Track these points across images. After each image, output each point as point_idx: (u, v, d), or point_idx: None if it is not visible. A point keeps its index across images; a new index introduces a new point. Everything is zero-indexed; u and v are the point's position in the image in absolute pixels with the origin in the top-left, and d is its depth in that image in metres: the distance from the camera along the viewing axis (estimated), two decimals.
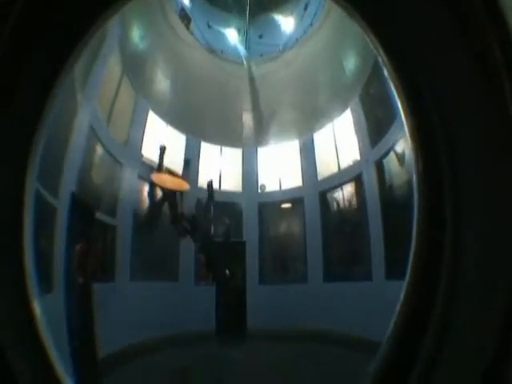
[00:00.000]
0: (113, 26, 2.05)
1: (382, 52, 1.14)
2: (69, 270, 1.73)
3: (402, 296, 1.15)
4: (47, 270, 1.64)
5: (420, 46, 1.04)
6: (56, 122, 1.68)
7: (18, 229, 1.18)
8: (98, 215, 1.94)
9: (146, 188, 2.14)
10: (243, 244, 2.21)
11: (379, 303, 1.96)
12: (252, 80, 2.32)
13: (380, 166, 2.08)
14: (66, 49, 1.15)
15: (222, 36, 2.41)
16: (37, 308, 1.28)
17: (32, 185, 1.27)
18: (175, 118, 2.31)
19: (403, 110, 1.15)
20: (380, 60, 1.18)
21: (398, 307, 1.16)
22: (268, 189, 2.25)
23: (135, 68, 2.21)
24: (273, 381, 1.79)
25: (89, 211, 1.91)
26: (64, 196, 1.79)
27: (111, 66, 2.13)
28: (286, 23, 2.37)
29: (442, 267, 1.01)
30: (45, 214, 1.67)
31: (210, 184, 2.17)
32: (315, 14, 2.32)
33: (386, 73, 1.21)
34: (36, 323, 1.24)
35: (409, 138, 1.18)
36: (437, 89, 1.01)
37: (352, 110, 2.16)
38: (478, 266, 0.92)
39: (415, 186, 1.34)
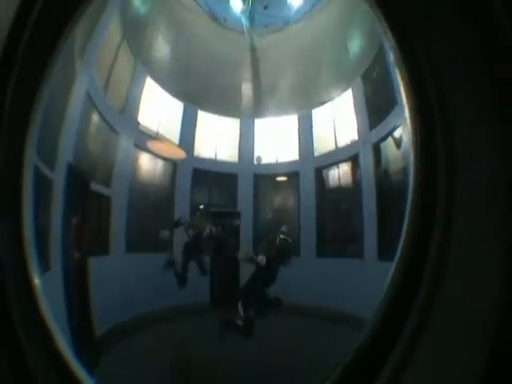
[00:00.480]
0: None
1: (388, 31, 1.13)
2: (66, 245, 1.73)
3: (389, 276, 1.19)
4: (46, 246, 1.64)
5: (425, 28, 1.03)
6: (55, 92, 1.65)
7: (17, 204, 1.18)
8: (93, 186, 1.93)
9: (142, 156, 2.13)
10: (238, 214, 2.23)
11: (369, 282, 2.02)
12: (254, 51, 2.27)
13: (377, 149, 2.08)
14: (66, 12, 1.12)
15: (226, 4, 2.33)
16: (38, 286, 1.29)
17: (31, 157, 1.26)
18: (173, 85, 2.27)
19: (405, 93, 1.15)
20: (385, 40, 1.18)
21: (385, 287, 1.20)
22: (264, 161, 2.25)
23: (135, 33, 2.14)
24: (264, 351, 1.85)
25: (84, 182, 1.89)
26: (60, 168, 1.77)
27: (111, 32, 2.06)
28: None
29: (431, 251, 1.04)
30: (42, 188, 1.66)
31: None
32: None
33: (391, 55, 1.20)
34: (38, 303, 1.26)
35: (408, 121, 1.19)
36: (439, 73, 1.01)
37: (353, 91, 2.14)
38: (466, 253, 0.95)
39: (412, 169, 1.36)
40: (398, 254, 1.21)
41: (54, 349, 1.23)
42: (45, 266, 1.61)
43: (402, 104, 1.96)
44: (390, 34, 1.16)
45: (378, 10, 1.16)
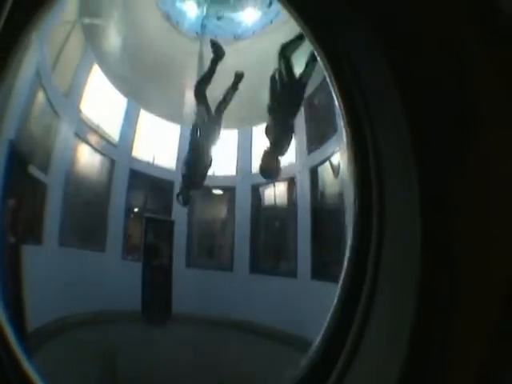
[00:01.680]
0: None
1: (323, 58, 1.19)
2: (2, 227, 1.54)
3: (336, 299, 1.21)
4: None
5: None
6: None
7: None
8: (31, 169, 1.74)
9: (82, 147, 1.97)
10: (172, 223, 2.15)
11: (303, 300, 2.07)
12: (201, 58, 2.25)
13: (314, 173, 2.17)
14: None
15: (181, 7, 2.32)
16: None
17: None
18: (119, 78, 2.16)
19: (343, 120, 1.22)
20: (324, 68, 1.24)
21: (332, 308, 1.22)
22: None
23: (90, 16, 2.01)
24: (193, 363, 1.79)
25: (24, 163, 1.71)
26: (2, 144, 1.59)
27: (68, 10, 1.93)
28: (247, 13, 2.34)
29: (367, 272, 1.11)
30: None
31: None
32: (277, 14, 2.34)
33: (328, 81, 1.26)
34: None
35: (346, 147, 1.24)
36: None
37: None
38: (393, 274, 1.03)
39: (352, 189, 1.39)
40: (343, 276, 1.23)
41: None
42: None
43: (341, 132, 2.08)
44: (327, 65, 1.22)
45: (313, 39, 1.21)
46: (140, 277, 1.94)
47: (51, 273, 1.70)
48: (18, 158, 1.71)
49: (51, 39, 1.87)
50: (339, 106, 1.24)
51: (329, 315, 1.24)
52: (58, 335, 1.65)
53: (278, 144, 2.02)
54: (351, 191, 1.39)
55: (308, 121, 2.22)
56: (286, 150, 2.08)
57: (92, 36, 2.04)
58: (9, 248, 1.63)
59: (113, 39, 2.16)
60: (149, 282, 1.94)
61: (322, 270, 2.00)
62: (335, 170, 2.08)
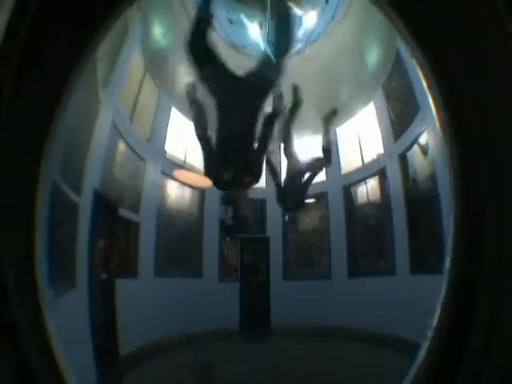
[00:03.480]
0: (134, 24, 2.08)
1: (407, 36, 1.09)
2: (92, 266, 1.74)
3: (442, 294, 1.03)
4: (71, 265, 1.65)
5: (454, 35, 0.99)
6: (78, 120, 1.70)
7: (30, 224, 1.15)
8: (121, 211, 1.96)
9: (170, 184, 2.16)
10: (267, 240, 2.20)
11: (403, 299, 1.93)
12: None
13: (404, 160, 2.05)
14: (84, 36, 1.14)
15: (244, 31, 2.41)
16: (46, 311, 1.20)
17: (47, 178, 1.25)
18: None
19: (434, 102, 1.08)
20: (405, 46, 1.13)
21: (438, 307, 1.04)
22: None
23: (157, 65, 2.21)
24: (296, 378, 1.77)
25: (112, 208, 1.93)
26: (87, 193, 1.81)
27: (133, 64, 2.15)
28: (308, 18, 2.34)
29: (484, 261, 0.94)
30: (67, 212, 1.69)
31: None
32: (336, 8, 2.30)
33: (415, 62, 1.14)
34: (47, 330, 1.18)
35: (440, 130, 1.10)
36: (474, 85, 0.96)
37: (375, 104, 2.14)
38: None
39: (448, 178, 1.19)
40: (450, 267, 1.05)
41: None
42: (70, 284, 1.62)
43: (424, 110, 1.94)
44: (409, 39, 1.11)
45: (395, 16, 1.12)
46: (238, 296, 2.01)
47: (147, 302, 1.85)
48: (106, 204, 1.92)
49: (123, 93, 2.08)
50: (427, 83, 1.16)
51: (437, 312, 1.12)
52: (152, 358, 1.76)
53: None
54: (446, 172, 1.28)
55: (389, 105, 2.10)
56: None
57: (163, 82, 2.21)
58: (101, 283, 1.82)
59: (185, 81, 2.31)
60: (246, 300, 2.00)
61: (422, 262, 1.85)
62: (424, 150, 1.93)
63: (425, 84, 1.09)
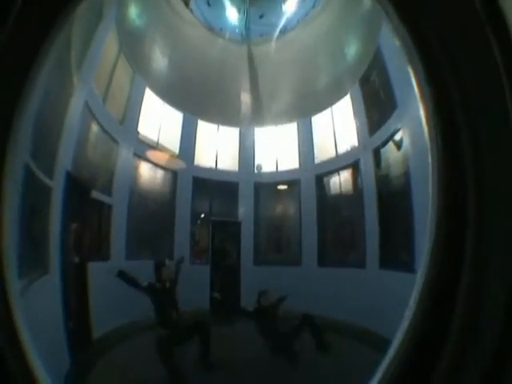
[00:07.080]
0: (109, 4, 2.02)
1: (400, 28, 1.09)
2: (65, 250, 1.73)
3: (415, 291, 1.04)
4: (43, 251, 1.64)
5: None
6: (51, 101, 1.66)
7: None
8: (94, 194, 1.94)
9: (142, 165, 2.14)
10: (238, 224, 2.22)
11: (371, 292, 1.99)
12: (251, 60, 2.29)
13: (377, 155, 2.08)
14: (53, 12, 1.11)
15: (222, 14, 2.37)
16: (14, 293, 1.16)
17: (15, 161, 1.21)
18: (173, 96, 2.28)
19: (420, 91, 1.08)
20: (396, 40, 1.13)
21: (411, 303, 1.05)
22: (264, 169, 2.25)
23: (132, 46, 2.16)
24: (263, 358, 1.82)
25: (84, 190, 1.90)
26: (59, 175, 1.78)
27: (108, 45, 2.09)
28: (288, 4, 2.32)
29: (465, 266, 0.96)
30: (40, 195, 1.67)
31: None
32: None
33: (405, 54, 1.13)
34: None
35: (424, 121, 1.09)
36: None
37: (351, 96, 2.15)
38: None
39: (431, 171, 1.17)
40: (426, 265, 1.05)
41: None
42: (42, 270, 1.61)
43: (403, 106, 1.97)
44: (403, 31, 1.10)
45: (390, 7, 1.11)
46: (208, 279, 2.03)
47: (119, 284, 1.85)
48: (79, 186, 1.90)
49: (97, 75, 2.03)
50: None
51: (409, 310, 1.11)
52: (124, 340, 1.77)
53: None
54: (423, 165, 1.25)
55: (366, 99, 2.12)
56: None
57: (138, 63, 2.16)
58: (74, 267, 1.82)
59: (159, 61, 2.27)
60: (217, 282, 2.03)
61: (391, 258, 1.90)
62: (398, 145, 1.96)
63: (410, 69, 1.09)
